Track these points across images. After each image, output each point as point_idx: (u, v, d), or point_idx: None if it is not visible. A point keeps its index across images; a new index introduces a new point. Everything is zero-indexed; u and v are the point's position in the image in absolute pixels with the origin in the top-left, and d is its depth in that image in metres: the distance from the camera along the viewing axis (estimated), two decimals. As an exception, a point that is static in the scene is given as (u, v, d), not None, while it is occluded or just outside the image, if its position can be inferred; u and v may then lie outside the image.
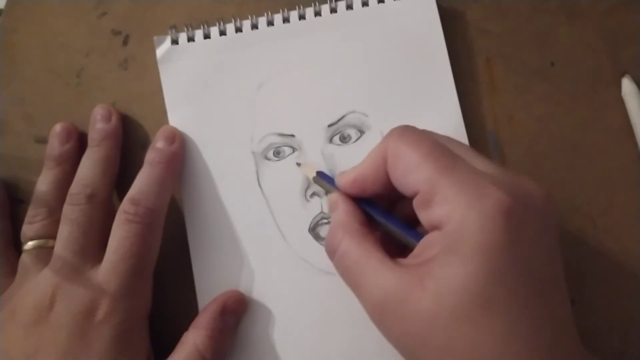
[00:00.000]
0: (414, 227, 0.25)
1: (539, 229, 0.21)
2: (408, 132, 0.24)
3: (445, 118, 0.31)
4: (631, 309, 0.30)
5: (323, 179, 0.28)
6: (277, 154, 0.31)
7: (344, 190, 0.26)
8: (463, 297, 0.20)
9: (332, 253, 0.25)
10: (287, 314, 0.30)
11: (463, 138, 0.31)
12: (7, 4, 0.34)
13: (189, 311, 0.29)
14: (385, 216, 0.25)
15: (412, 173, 0.22)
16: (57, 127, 0.31)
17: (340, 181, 0.26)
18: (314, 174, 0.29)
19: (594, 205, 0.31)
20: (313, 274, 0.30)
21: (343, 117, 0.31)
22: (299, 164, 0.31)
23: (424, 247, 0.22)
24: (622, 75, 0.32)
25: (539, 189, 0.22)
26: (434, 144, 0.23)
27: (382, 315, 0.22)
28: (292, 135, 0.31)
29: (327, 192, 0.29)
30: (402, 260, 0.23)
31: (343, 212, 0.25)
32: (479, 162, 0.23)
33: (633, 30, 0.33)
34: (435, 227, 0.22)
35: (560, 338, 0.21)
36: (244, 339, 0.30)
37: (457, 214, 0.21)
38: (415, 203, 0.23)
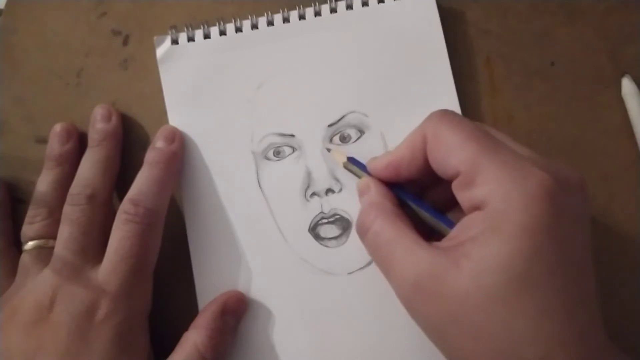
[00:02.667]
0: (445, 214, 0.25)
1: (576, 212, 0.22)
2: (449, 115, 0.24)
3: (445, 118, 0.31)
4: (631, 308, 0.30)
5: (354, 164, 0.28)
6: (277, 154, 0.31)
7: (376, 175, 0.26)
8: (501, 277, 0.20)
9: (363, 232, 0.25)
10: (287, 314, 0.30)
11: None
12: (7, 4, 0.34)
13: (189, 311, 0.29)
14: (417, 202, 0.25)
15: (454, 154, 0.22)
16: (57, 127, 0.31)
17: (372, 165, 0.26)
18: (345, 159, 0.29)
19: (594, 205, 0.31)
20: (313, 274, 0.30)
21: (343, 117, 0.31)
22: (328, 150, 0.31)
23: (461, 229, 0.22)
24: (622, 75, 0.32)
25: (575, 173, 0.22)
26: (475, 127, 0.23)
27: (414, 294, 0.22)
28: (292, 135, 0.31)
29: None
30: (435, 243, 0.23)
31: (376, 193, 0.25)
32: (518, 147, 0.23)
33: (633, 30, 0.33)
34: (476, 208, 0.22)
35: (591, 325, 0.21)
36: (244, 339, 0.30)
37: (500, 193, 0.21)
38: (456, 184, 0.23)
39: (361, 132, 0.31)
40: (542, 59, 0.33)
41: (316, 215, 0.31)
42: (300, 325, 0.30)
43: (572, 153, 0.32)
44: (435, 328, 0.22)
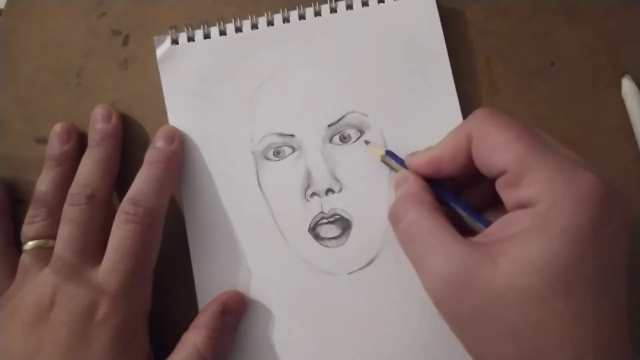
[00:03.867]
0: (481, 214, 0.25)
1: (621, 220, 0.22)
2: (495, 113, 0.24)
3: (445, 118, 0.31)
4: (631, 308, 0.30)
5: (392, 157, 0.28)
6: (277, 153, 0.31)
7: (415, 170, 0.26)
8: (540, 277, 0.20)
9: (397, 221, 0.24)
10: (287, 314, 0.30)
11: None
12: (7, 4, 0.34)
13: (189, 311, 0.29)
14: (455, 200, 0.25)
15: (501, 152, 0.22)
16: (57, 127, 0.31)
17: (412, 161, 0.26)
18: (382, 153, 0.29)
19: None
20: (313, 274, 0.30)
21: (343, 117, 0.31)
22: (367, 142, 0.31)
23: (502, 226, 0.22)
24: (622, 75, 0.32)
25: (621, 184, 0.22)
26: (523, 126, 0.23)
27: (445, 289, 0.22)
28: (292, 135, 0.31)
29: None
30: (472, 238, 0.23)
31: (414, 185, 0.25)
32: (566, 150, 0.23)
33: (633, 30, 0.33)
34: (522, 206, 0.22)
35: (620, 337, 0.21)
36: (244, 339, 0.30)
37: (550, 194, 0.21)
38: (501, 182, 0.23)
39: (361, 132, 0.31)
40: (542, 59, 0.33)
41: (316, 215, 0.31)
42: (300, 325, 0.30)
43: (572, 153, 0.32)
44: (464, 325, 0.22)
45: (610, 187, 0.21)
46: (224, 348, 0.28)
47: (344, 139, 0.31)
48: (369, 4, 0.33)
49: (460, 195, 0.27)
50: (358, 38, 0.32)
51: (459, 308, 0.21)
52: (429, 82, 0.32)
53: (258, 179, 0.31)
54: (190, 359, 0.27)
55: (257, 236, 0.30)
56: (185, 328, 0.28)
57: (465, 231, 0.24)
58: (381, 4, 0.32)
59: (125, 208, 0.27)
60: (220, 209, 0.31)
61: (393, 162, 0.28)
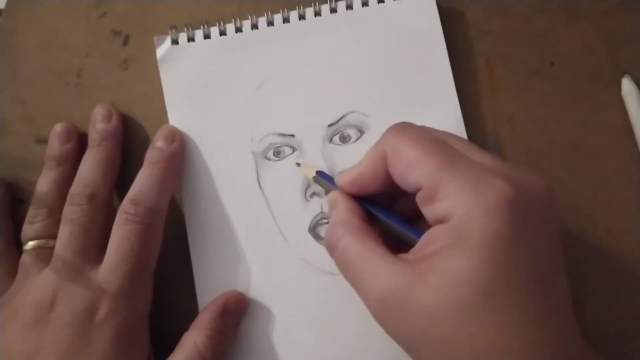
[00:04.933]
0: (414, 223, 0.25)
1: (541, 221, 0.22)
2: (406, 129, 0.24)
3: (445, 118, 0.31)
4: (631, 308, 0.30)
5: (323, 178, 0.28)
6: (277, 154, 0.31)
7: (343, 189, 0.26)
8: (465, 291, 0.20)
9: (332, 249, 0.25)
10: (287, 314, 0.30)
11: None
12: (7, 4, 0.34)
13: (189, 311, 0.29)
14: (385, 213, 0.25)
15: (414, 170, 0.22)
16: (58, 127, 0.31)
17: (339, 180, 0.26)
18: (314, 174, 0.29)
19: (594, 205, 0.31)
20: (313, 274, 0.30)
21: (343, 117, 0.31)
22: (298, 164, 0.31)
23: (427, 242, 0.22)
24: (622, 75, 0.32)
25: (540, 181, 0.22)
26: (433, 140, 0.23)
27: (384, 311, 0.22)
28: (292, 135, 0.31)
29: (327, 192, 0.29)
30: (403, 256, 0.23)
31: (343, 209, 0.25)
32: (479, 156, 0.23)
33: (633, 30, 0.33)
34: (440, 221, 0.22)
35: (563, 334, 0.21)
36: (244, 339, 0.30)
37: (461, 207, 0.21)
38: (419, 198, 0.23)
39: (361, 132, 0.31)
40: (542, 59, 0.33)
41: (316, 215, 0.31)
42: (300, 325, 0.30)
43: (572, 153, 0.32)
44: (407, 344, 0.22)
45: (524, 191, 0.21)
46: (224, 348, 0.28)
47: (344, 139, 0.31)
48: (369, 4, 0.33)
49: (394, 205, 0.27)
50: (358, 38, 0.32)
51: (399, 328, 0.22)
52: (429, 82, 0.32)
53: (258, 179, 0.31)
54: (191, 358, 0.27)
55: (257, 236, 0.30)
56: (185, 328, 0.28)
57: (401, 244, 0.25)
58: (381, 4, 0.32)
59: (125, 208, 0.27)
60: (220, 209, 0.31)
61: (324, 182, 0.28)
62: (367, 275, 0.22)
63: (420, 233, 0.23)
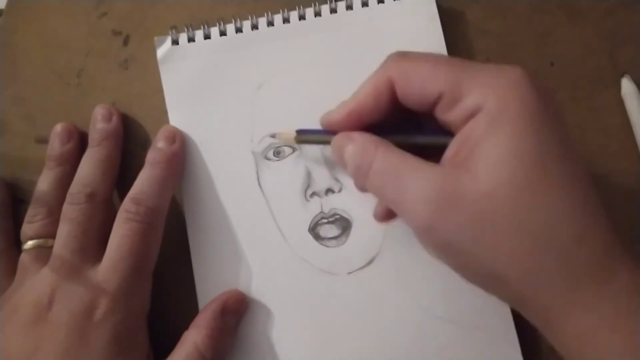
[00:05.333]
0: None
1: (552, 100, 0.22)
2: (407, 54, 0.25)
3: (445, 118, 0.31)
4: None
5: (307, 133, 0.28)
6: (277, 154, 0.31)
7: (337, 128, 0.26)
8: (518, 164, 0.20)
9: (364, 173, 0.24)
10: (287, 314, 0.30)
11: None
12: (7, 4, 0.34)
13: (189, 311, 0.29)
14: (401, 133, 0.25)
15: (430, 81, 0.23)
16: (58, 127, 0.31)
17: (332, 119, 0.26)
18: (294, 134, 0.28)
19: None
20: (313, 274, 0.30)
21: (343, 117, 0.31)
22: (273, 136, 0.30)
23: (461, 142, 0.22)
24: (622, 75, 0.32)
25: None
26: (436, 55, 0.24)
27: (436, 213, 0.21)
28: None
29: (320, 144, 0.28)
30: (438, 165, 0.23)
31: (362, 135, 0.25)
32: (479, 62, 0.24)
33: (633, 30, 0.33)
34: (471, 116, 0.22)
35: (601, 207, 0.21)
36: (244, 338, 0.30)
37: (492, 91, 0.21)
38: (441, 108, 0.23)
39: (361, 132, 0.31)
40: (542, 59, 0.33)
41: (316, 215, 0.31)
42: (300, 325, 0.30)
43: (572, 153, 0.32)
44: (463, 241, 0.21)
45: (529, 74, 0.22)
46: (224, 347, 0.28)
47: (344, 139, 0.31)
48: (369, 4, 0.33)
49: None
50: (358, 38, 0.32)
51: (455, 225, 0.21)
52: (429, 82, 0.32)
53: (258, 179, 0.31)
54: (191, 358, 0.27)
55: (257, 236, 0.30)
56: (185, 328, 0.28)
57: None
58: (381, 4, 0.32)
59: (126, 207, 0.27)
60: (220, 209, 0.31)
61: (311, 136, 0.28)
62: (410, 180, 0.22)
63: (451, 136, 0.23)
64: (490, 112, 0.21)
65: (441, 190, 0.21)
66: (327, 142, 0.26)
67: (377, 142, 0.24)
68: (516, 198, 0.20)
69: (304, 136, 0.28)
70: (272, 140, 0.31)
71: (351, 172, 0.25)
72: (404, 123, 0.25)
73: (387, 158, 0.23)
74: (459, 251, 0.21)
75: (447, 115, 0.23)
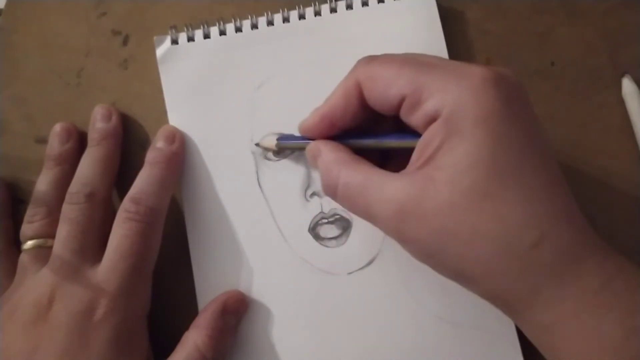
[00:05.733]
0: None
1: (524, 102, 0.22)
2: (375, 57, 0.25)
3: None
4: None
5: (287, 140, 0.29)
6: (277, 153, 0.31)
7: (312, 133, 0.27)
8: (476, 173, 0.20)
9: (333, 190, 0.25)
10: (287, 314, 0.30)
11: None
12: (7, 4, 0.34)
13: (189, 311, 0.29)
14: (372, 136, 0.26)
15: (393, 83, 0.23)
16: (57, 127, 0.31)
17: (306, 125, 0.27)
18: (275, 142, 0.29)
19: (594, 205, 0.31)
20: (313, 274, 0.30)
21: (343, 117, 0.31)
22: (257, 144, 0.31)
23: (424, 145, 0.22)
24: (622, 75, 0.32)
25: (509, 71, 0.23)
26: (404, 56, 0.24)
27: (401, 222, 0.22)
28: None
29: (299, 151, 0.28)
30: (404, 171, 0.23)
31: (329, 151, 0.25)
32: (450, 61, 0.24)
33: (633, 30, 0.33)
34: (431, 120, 0.22)
35: (571, 204, 0.22)
36: (244, 339, 0.30)
37: (449, 96, 0.21)
38: (404, 110, 0.23)
39: (361, 131, 0.31)
40: (542, 59, 0.33)
41: (316, 215, 0.31)
42: (300, 325, 0.30)
43: (572, 153, 0.32)
44: (430, 248, 0.22)
45: (498, 73, 0.22)
46: (224, 348, 0.28)
47: (343, 139, 0.31)
48: (369, 3, 0.33)
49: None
50: (358, 38, 0.32)
51: (420, 234, 0.22)
52: (429, 82, 0.32)
53: (258, 179, 0.31)
54: (191, 358, 0.27)
55: (257, 236, 0.30)
56: (185, 328, 0.28)
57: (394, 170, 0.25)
58: (381, 4, 0.32)
59: (126, 206, 0.27)
60: (220, 209, 0.31)
61: (291, 143, 0.29)
62: (376, 197, 0.23)
63: (417, 136, 0.23)
64: (447, 118, 0.21)
65: (405, 204, 0.22)
66: (304, 149, 0.27)
67: (341, 161, 0.25)
68: (474, 209, 0.20)
69: (283, 143, 0.29)
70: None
71: (323, 188, 0.26)
72: (378, 123, 0.26)
73: (351, 177, 0.24)
74: (428, 255, 0.23)
75: (410, 118, 0.23)
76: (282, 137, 0.29)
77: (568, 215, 0.21)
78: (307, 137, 0.27)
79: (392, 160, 0.27)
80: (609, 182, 0.31)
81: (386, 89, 0.23)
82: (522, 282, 0.21)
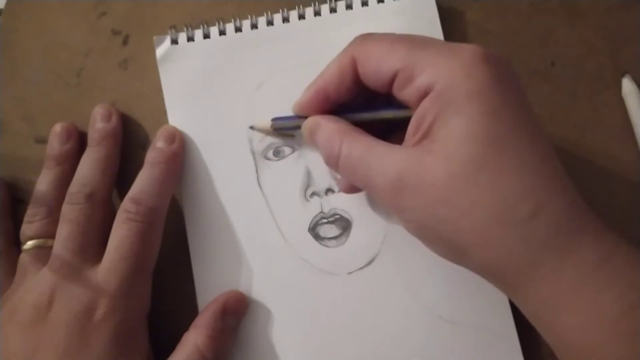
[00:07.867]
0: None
1: (514, 77, 0.23)
2: (371, 34, 0.26)
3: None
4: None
5: (282, 120, 0.29)
6: (276, 153, 0.31)
7: (308, 108, 0.27)
8: (473, 144, 0.21)
9: (334, 160, 0.25)
10: (287, 314, 0.30)
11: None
12: (7, 4, 0.34)
13: (189, 311, 0.29)
14: (367, 110, 0.26)
15: (387, 59, 0.24)
16: (57, 127, 0.31)
17: (301, 101, 0.27)
18: (270, 124, 0.29)
19: (594, 205, 0.31)
20: (313, 274, 0.30)
21: (343, 116, 0.31)
22: (252, 127, 0.31)
23: (420, 119, 0.23)
24: (622, 75, 0.32)
25: (498, 53, 0.23)
26: (398, 34, 0.25)
27: (399, 193, 0.22)
28: (292, 135, 0.31)
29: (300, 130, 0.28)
30: (400, 146, 0.24)
31: (329, 121, 0.26)
32: (441, 41, 0.25)
33: (633, 30, 0.33)
34: (424, 94, 0.23)
35: (564, 177, 0.22)
36: (244, 339, 0.30)
37: (441, 71, 0.22)
38: (397, 85, 0.24)
39: (361, 131, 0.31)
40: (542, 59, 0.33)
41: (316, 215, 0.31)
42: (300, 325, 0.30)
43: (573, 153, 0.32)
44: (427, 220, 0.22)
45: (486, 50, 0.22)
46: (224, 348, 0.28)
47: (343, 139, 0.31)
48: (369, 3, 0.33)
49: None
50: (358, 38, 0.32)
51: (417, 205, 0.22)
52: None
53: (258, 179, 0.31)
54: (191, 359, 0.27)
55: (257, 236, 0.30)
56: (185, 328, 0.28)
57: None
58: (381, 4, 0.32)
59: (126, 207, 0.27)
60: (220, 209, 0.31)
61: (286, 122, 0.29)
62: (376, 166, 0.23)
63: (412, 109, 0.24)
64: (439, 92, 0.22)
65: (403, 174, 0.22)
66: (300, 127, 0.28)
67: (342, 131, 0.25)
68: (471, 179, 0.21)
69: (278, 123, 0.29)
70: (272, 140, 0.31)
71: (323, 158, 0.26)
72: (371, 101, 0.26)
73: (352, 147, 0.24)
74: (424, 227, 0.23)
75: (403, 93, 0.24)
76: (277, 118, 0.29)
77: (563, 189, 0.21)
78: (302, 116, 0.28)
79: (388, 139, 0.27)
80: (609, 182, 0.31)
81: (379, 63, 0.24)
82: (518, 255, 0.21)
